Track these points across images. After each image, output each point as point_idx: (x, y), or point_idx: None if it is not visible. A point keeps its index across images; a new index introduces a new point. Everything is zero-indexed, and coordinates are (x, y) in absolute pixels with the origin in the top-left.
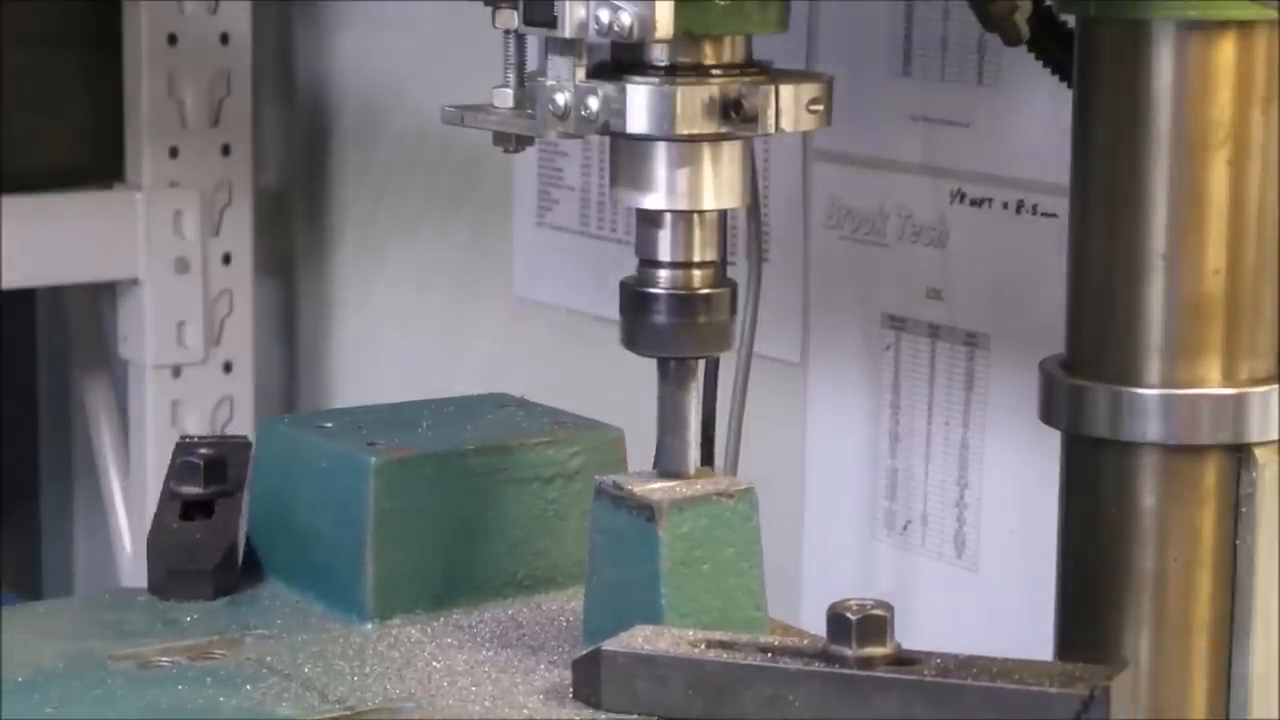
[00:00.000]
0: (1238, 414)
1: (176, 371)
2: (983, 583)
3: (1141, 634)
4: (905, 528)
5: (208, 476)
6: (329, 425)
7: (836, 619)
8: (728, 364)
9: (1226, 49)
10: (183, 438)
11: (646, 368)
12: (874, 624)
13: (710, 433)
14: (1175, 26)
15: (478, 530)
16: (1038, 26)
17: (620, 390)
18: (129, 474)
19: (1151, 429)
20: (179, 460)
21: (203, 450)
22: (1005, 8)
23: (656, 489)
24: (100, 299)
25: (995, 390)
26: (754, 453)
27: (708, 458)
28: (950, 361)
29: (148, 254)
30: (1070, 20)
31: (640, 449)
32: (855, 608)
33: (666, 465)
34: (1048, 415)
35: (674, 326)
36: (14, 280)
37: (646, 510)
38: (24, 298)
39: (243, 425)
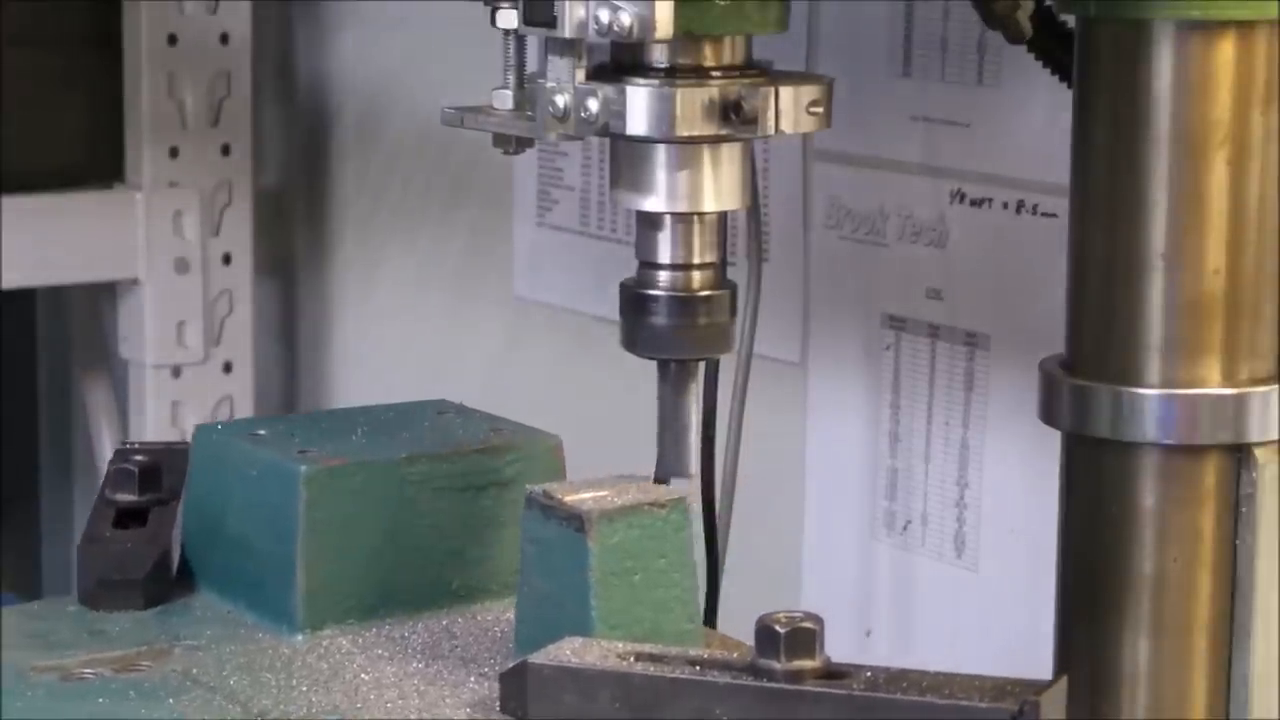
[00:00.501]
0: (1238, 414)
1: (176, 371)
2: (983, 583)
3: (1141, 634)
4: (905, 528)
5: (143, 484)
6: (262, 432)
7: (764, 631)
8: (728, 364)
9: (1226, 49)
10: (122, 443)
11: (646, 368)
12: (802, 637)
13: (710, 433)
14: (1175, 26)
15: (411, 539)
16: (1037, 26)
17: (620, 390)
18: None
19: (1151, 429)
20: (114, 467)
21: (138, 457)
22: (1008, 5)
23: (587, 499)
24: (100, 299)
25: (995, 390)
26: (754, 453)
27: (708, 458)
28: (950, 361)
29: (148, 254)
30: (1070, 20)
31: (639, 448)
32: (784, 620)
33: (667, 467)
34: (1048, 415)
35: (674, 328)
36: (14, 280)
37: (576, 520)
38: (24, 298)
39: None
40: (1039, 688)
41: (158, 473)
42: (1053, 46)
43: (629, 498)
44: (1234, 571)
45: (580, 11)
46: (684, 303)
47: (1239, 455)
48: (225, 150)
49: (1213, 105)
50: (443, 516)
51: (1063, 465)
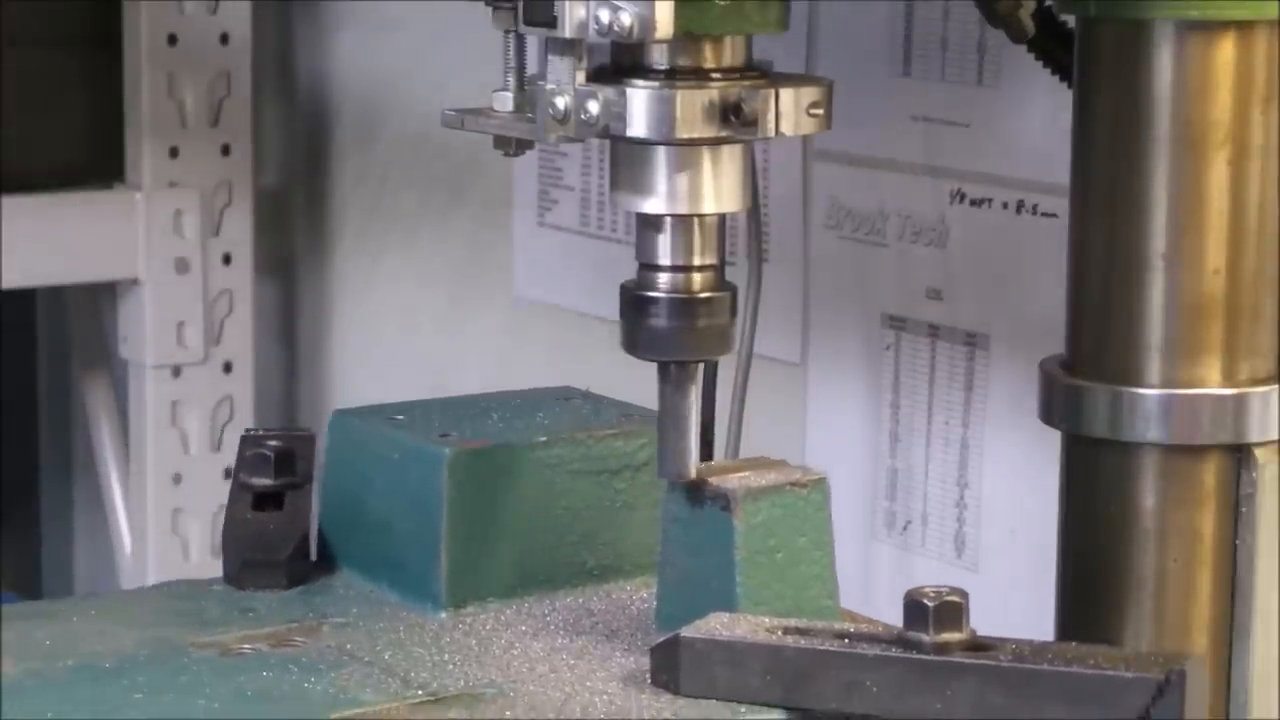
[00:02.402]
0: (1238, 414)
1: (176, 371)
2: (983, 583)
3: (1141, 634)
4: (905, 528)
5: (278, 468)
6: (400, 418)
7: (913, 605)
8: (728, 364)
9: (1226, 49)
10: (248, 431)
11: (646, 368)
12: (950, 610)
13: (709, 435)
14: (1175, 26)
15: (548, 520)
16: (1037, 26)
17: (620, 390)
18: (129, 474)
19: (1151, 429)
20: (249, 453)
21: (271, 442)
22: (1010, 5)
23: (731, 479)
24: (100, 299)
25: (995, 390)
26: (754, 452)
27: (706, 459)
28: (950, 361)
29: (148, 254)
30: (1070, 20)
31: None
32: (931, 594)
33: (667, 468)
34: (1048, 415)
35: (674, 330)
36: (14, 280)
37: (722, 499)
38: (24, 298)
39: (243, 425)
40: (1182, 658)
41: (291, 457)
42: (1053, 46)
43: (771, 477)
44: (1234, 571)
45: (580, 11)
46: (684, 305)
47: (1239, 455)
48: (225, 150)
49: (1213, 105)
50: (578, 498)
51: (1062, 465)
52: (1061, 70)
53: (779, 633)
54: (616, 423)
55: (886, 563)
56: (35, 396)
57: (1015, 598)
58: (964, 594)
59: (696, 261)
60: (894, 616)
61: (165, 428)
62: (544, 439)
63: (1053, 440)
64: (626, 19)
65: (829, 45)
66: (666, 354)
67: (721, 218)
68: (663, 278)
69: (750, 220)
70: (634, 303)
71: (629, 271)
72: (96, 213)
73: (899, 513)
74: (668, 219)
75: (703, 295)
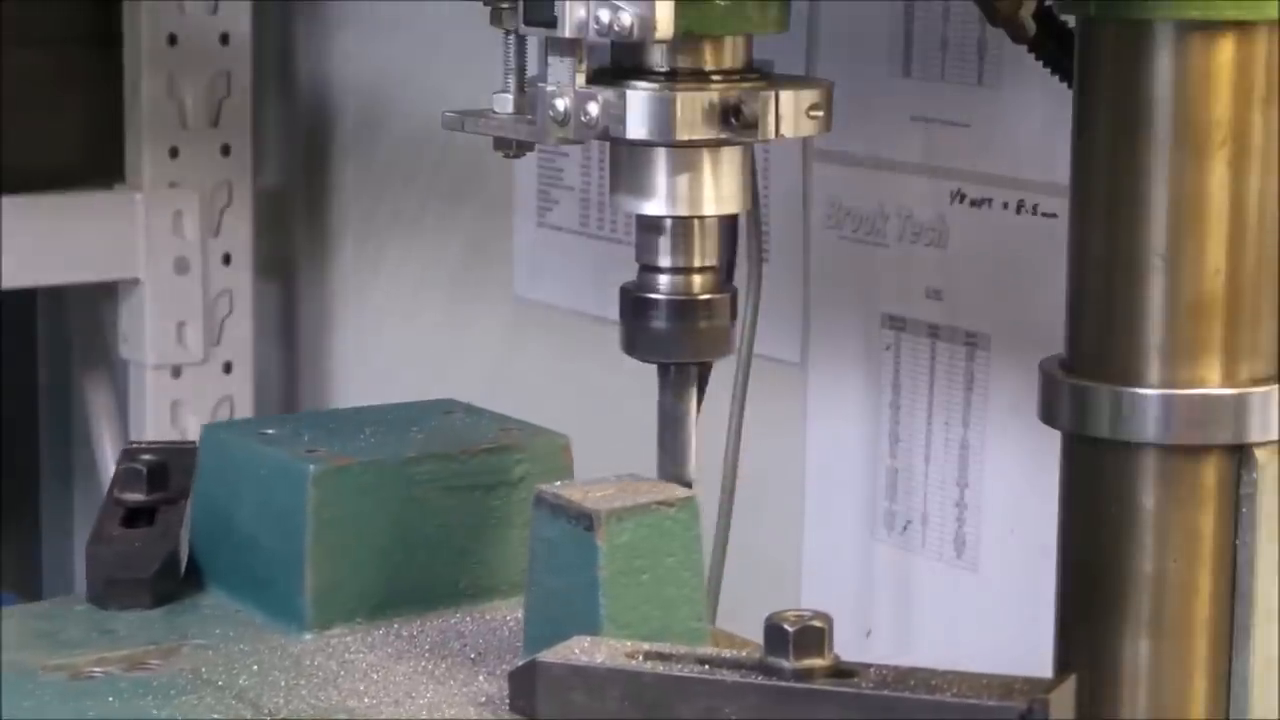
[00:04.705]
0: (1238, 414)
1: (176, 371)
2: (983, 583)
3: (1141, 634)
4: (905, 528)
5: (151, 483)
6: (270, 431)
7: (774, 630)
8: (728, 365)
9: (1226, 49)
10: (129, 443)
11: (646, 368)
12: (811, 635)
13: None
14: (1175, 26)
15: (419, 539)
16: (1038, 26)
17: (620, 391)
18: None
19: (1151, 429)
20: (122, 467)
21: (146, 456)
22: (1011, 5)
23: (596, 497)
24: (100, 299)
25: (995, 390)
26: (754, 453)
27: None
28: (950, 361)
29: (148, 254)
30: (1070, 20)
31: (639, 449)
32: (793, 619)
33: (667, 469)
34: (1048, 415)
35: (674, 332)
36: (14, 280)
37: (585, 519)
38: (24, 298)
39: None
40: (1047, 686)
41: (165, 471)
42: (1053, 46)
43: (638, 497)
44: (1234, 571)
45: (580, 11)
46: (684, 306)
47: (1239, 455)
48: (225, 150)
49: (1213, 105)
50: (451, 516)
51: (1063, 465)
52: (1061, 70)
53: (639, 657)
54: (492, 437)
55: (886, 563)
56: (35, 396)
57: (1015, 598)
58: (828, 618)
59: (696, 263)
60: (894, 616)
61: (165, 428)
62: (413, 454)
63: (1053, 440)
64: (627, 19)
65: (829, 45)
66: (666, 355)
67: (721, 219)
68: (663, 279)
69: (750, 221)
70: (634, 304)
71: (629, 272)
72: (96, 213)
73: (899, 513)
74: (668, 221)
75: (703, 297)
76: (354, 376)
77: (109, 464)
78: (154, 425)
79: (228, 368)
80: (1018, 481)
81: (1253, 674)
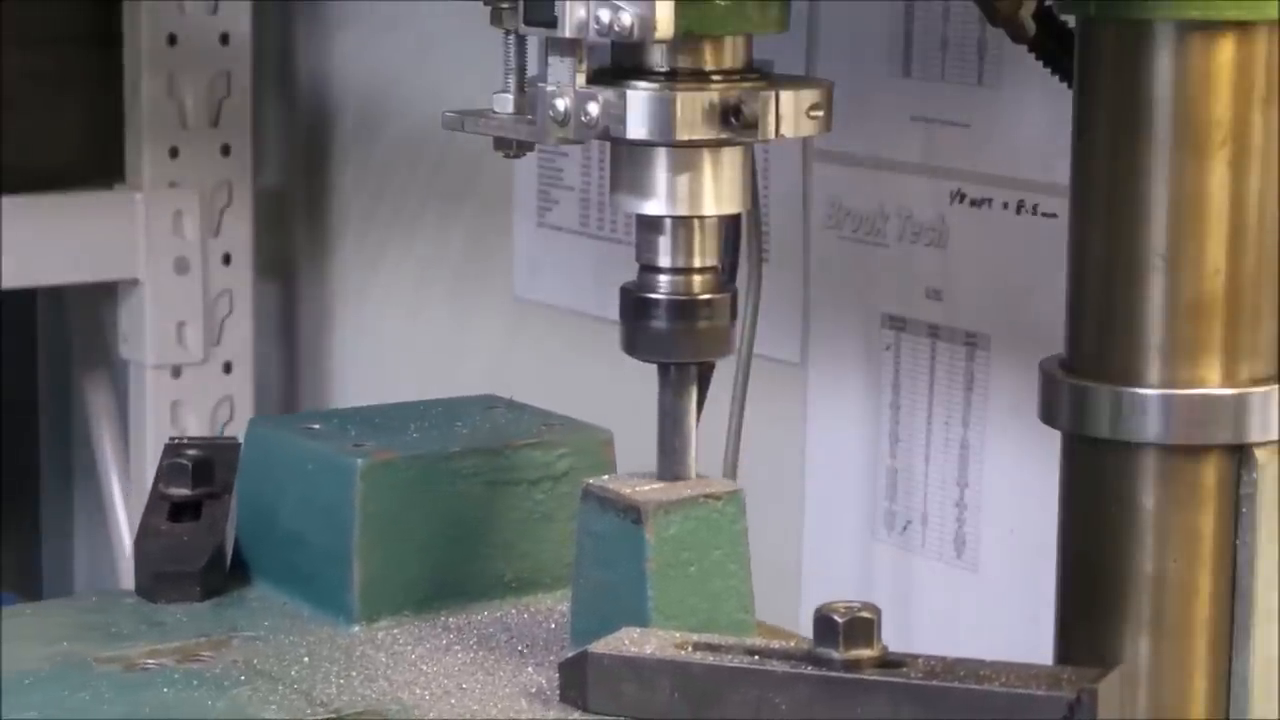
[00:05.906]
0: (1238, 414)
1: (176, 371)
2: (983, 583)
3: (1141, 634)
4: (905, 528)
5: (195, 478)
6: (316, 426)
7: (823, 621)
8: (728, 365)
9: (1226, 49)
10: (172, 439)
11: (646, 368)
12: (861, 626)
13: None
14: (1175, 26)
15: (464, 533)
16: (1038, 26)
17: (620, 390)
18: (129, 474)
19: (1151, 429)
20: (167, 462)
21: (191, 452)
22: (1011, 5)
23: (644, 491)
24: (100, 299)
25: (995, 390)
26: (754, 453)
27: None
28: (950, 361)
29: (148, 254)
30: (1070, 20)
31: (638, 448)
32: (842, 610)
33: (667, 469)
34: (1048, 415)
35: (674, 332)
36: (14, 280)
37: (633, 512)
38: (24, 298)
39: (243, 426)
40: (1094, 676)
41: (210, 466)
42: (1053, 46)
43: (684, 490)
44: (1234, 571)
45: (580, 11)
46: (684, 306)
47: (1239, 455)
48: (225, 150)
49: (1213, 105)
50: (495, 509)
51: (1063, 465)
52: (1061, 70)
53: (688, 648)
54: (536, 432)
55: (886, 563)
56: (35, 396)
57: (1015, 598)
58: (876, 610)
59: (696, 263)
60: (894, 616)
61: (165, 428)
62: (458, 449)
63: (1053, 440)
64: (627, 19)
65: (829, 45)
66: (666, 355)
67: (722, 219)
68: (663, 279)
69: (750, 221)
70: (634, 304)
71: (629, 272)
72: (96, 213)
73: (899, 513)
74: (668, 221)
75: (703, 297)
76: (354, 376)
77: (109, 464)
78: (154, 425)
79: (228, 368)
80: (1018, 481)
81: (1253, 674)
